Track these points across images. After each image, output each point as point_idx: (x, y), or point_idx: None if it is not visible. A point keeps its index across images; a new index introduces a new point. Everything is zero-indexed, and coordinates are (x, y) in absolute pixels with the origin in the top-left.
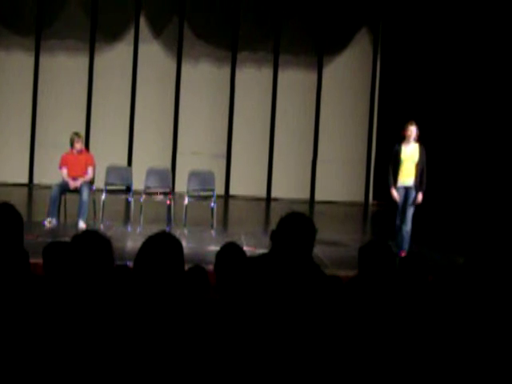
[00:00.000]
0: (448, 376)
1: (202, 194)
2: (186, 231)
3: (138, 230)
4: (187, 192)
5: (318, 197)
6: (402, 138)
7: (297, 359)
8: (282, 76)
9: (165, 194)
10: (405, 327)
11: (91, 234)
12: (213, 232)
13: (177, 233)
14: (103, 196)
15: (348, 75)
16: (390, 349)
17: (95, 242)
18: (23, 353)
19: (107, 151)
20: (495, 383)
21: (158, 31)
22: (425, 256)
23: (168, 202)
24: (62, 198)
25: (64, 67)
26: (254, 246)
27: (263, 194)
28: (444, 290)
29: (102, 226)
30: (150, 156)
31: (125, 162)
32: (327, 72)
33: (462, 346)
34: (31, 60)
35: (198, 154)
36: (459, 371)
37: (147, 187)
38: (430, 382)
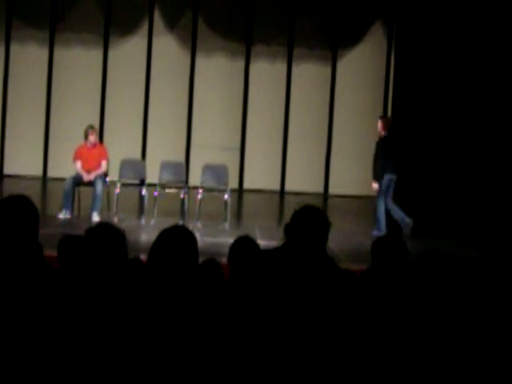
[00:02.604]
0: (463, 369)
1: (216, 187)
2: (199, 224)
3: (152, 223)
4: (201, 185)
5: (332, 190)
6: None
7: (310, 353)
8: (296, 69)
9: (179, 187)
10: (418, 321)
11: (105, 227)
12: (226, 225)
13: (191, 226)
14: (117, 189)
15: (362, 69)
16: (403, 343)
17: (109, 235)
18: (37, 345)
19: (121, 144)
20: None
21: (171, 24)
22: (442, 252)
23: (182, 196)
24: (76, 190)
25: (78, 60)
26: (267, 240)
27: (277, 187)
28: (458, 283)
29: (115, 219)
30: (163, 149)
31: (139, 156)
32: (341, 66)
33: (477, 340)
34: (45, 53)
35: (207, 147)
36: (474, 364)
37: (161, 180)
38: (445, 377)
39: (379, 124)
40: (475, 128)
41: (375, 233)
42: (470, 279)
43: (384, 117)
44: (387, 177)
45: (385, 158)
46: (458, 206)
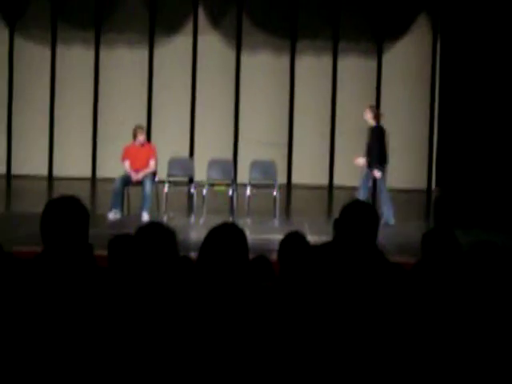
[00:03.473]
0: None
1: (264, 183)
2: (249, 221)
3: (201, 221)
4: (249, 182)
5: None
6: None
7: (363, 348)
8: (342, 64)
9: (227, 184)
10: (471, 315)
11: (155, 226)
12: (276, 221)
13: (240, 223)
14: (166, 188)
15: (408, 61)
16: (457, 337)
17: (159, 234)
18: (90, 344)
19: (169, 143)
20: None
21: (216, 22)
22: (496, 244)
23: (231, 193)
24: (125, 190)
25: (124, 60)
26: (317, 235)
27: (325, 182)
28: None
29: (165, 218)
30: (211, 147)
31: (187, 154)
32: (387, 58)
33: None
34: (91, 54)
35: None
36: None
37: (210, 178)
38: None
39: (368, 114)
40: None
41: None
42: None
43: (373, 106)
44: (382, 167)
45: (376, 148)
46: (505, 197)
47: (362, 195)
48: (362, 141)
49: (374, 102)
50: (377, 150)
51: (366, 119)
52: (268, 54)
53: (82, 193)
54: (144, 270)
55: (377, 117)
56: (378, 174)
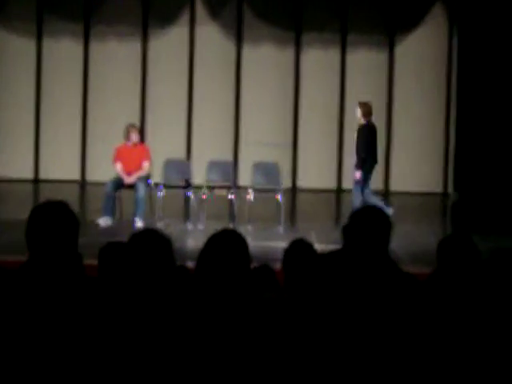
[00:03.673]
0: None
1: (268, 187)
2: (251, 228)
3: (200, 227)
4: (252, 185)
5: (393, 187)
6: None
7: (372, 364)
8: (351, 57)
9: (227, 188)
10: (490, 331)
11: (150, 233)
12: (280, 228)
13: (241, 230)
14: (161, 192)
15: (422, 54)
16: (469, 349)
17: (154, 242)
18: (79, 355)
19: (164, 143)
20: None
21: (215, 12)
22: None
23: (231, 197)
24: (117, 194)
25: (115, 54)
26: (324, 243)
27: (333, 185)
28: None
29: (160, 225)
30: (210, 147)
31: (183, 155)
32: (400, 52)
33: None
34: (80, 48)
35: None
36: None
37: (208, 181)
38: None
39: (358, 111)
40: None
41: None
42: None
43: (363, 103)
44: (369, 165)
45: (367, 145)
46: None
47: (356, 199)
48: None
49: (385, 98)
50: (363, 149)
51: (357, 116)
52: (271, 47)
53: (71, 197)
54: (137, 280)
55: (367, 114)
56: (358, 174)
